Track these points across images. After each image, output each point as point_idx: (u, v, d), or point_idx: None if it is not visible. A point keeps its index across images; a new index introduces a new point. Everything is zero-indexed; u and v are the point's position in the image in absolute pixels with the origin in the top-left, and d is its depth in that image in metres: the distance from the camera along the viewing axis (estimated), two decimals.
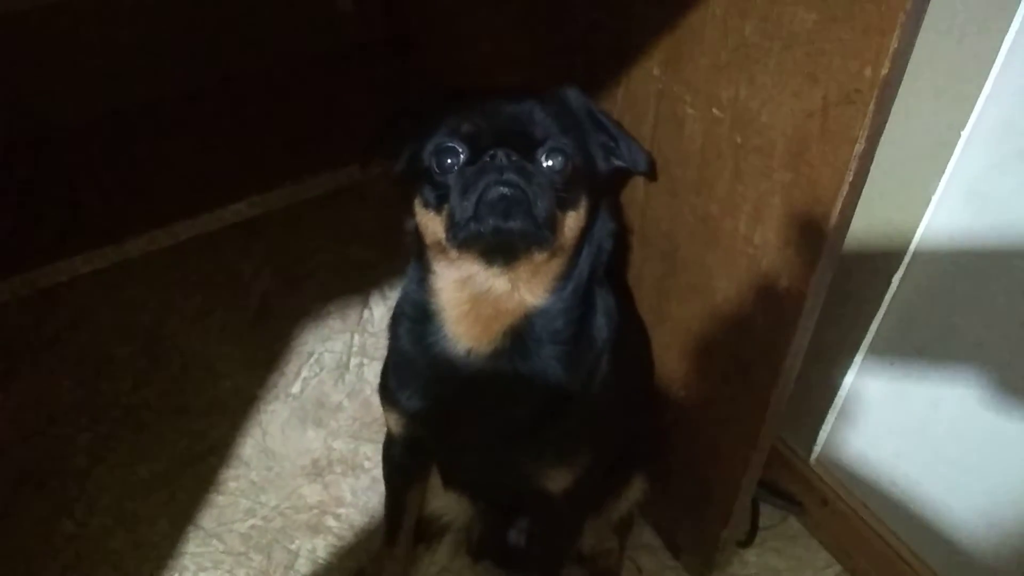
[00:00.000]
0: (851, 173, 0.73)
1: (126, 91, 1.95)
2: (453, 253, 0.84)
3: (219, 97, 2.04)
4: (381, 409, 1.05)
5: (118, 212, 1.80)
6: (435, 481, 1.19)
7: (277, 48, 2.06)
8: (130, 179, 1.88)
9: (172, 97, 2.00)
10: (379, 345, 1.60)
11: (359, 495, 1.37)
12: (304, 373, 1.56)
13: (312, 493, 1.38)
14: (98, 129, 1.94)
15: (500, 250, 0.83)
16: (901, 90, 0.70)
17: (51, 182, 1.87)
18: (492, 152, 0.80)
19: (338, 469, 1.41)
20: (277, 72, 2.08)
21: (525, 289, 0.87)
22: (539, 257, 0.84)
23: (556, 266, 0.87)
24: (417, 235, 0.90)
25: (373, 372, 1.54)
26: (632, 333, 1.10)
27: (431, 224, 0.85)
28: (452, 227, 0.82)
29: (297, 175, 1.88)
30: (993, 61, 0.86)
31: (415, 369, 0.95)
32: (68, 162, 1.90)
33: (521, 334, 0.88)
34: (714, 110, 0.85)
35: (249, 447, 1.44)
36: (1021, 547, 1.03)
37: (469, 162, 0.83)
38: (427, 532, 1.27)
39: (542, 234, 0.82)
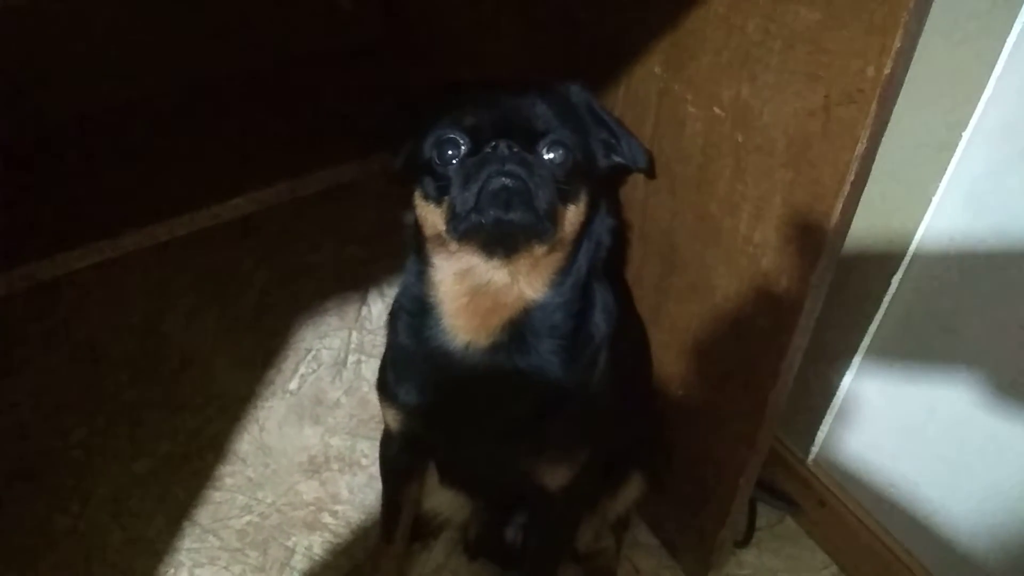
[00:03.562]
0: (852, 173, 0.73)
1: (124, 87, 1.94)
2: (453, 245, 0.84)
3: (218, 94, 2.03)
4: (378, 406, 1.05)
5: (116, 207, 1.79)
6: (432, 478, 1.19)
7: (276, 45, 2.06)
8: (128, 174, 1.86)
9: (170, 93, 1.98)
10: (377, 342, 1.59)
11: (356, 492, 1.37)
12: (302, 370, 1.56)
13: (309, 490, 1.37)
14: (96, 124, 1.93)
15: (501, 242, 0.83)
16: (903, 90, 0.70)
17: (49, 176, 1.86)
18: (494, 143, 0.80)
19: (335, 466, 1.41)
20: (276, 69, 2.07)
21: (524, 282, 0.87)
22: (539, 250, 0.84)
23: (555, 260, 0.87)
24: (416, 228, 0.89)
25: (371, 369, 1.54)
26: (631, 330, 1.09)
27: (431, 216, 0.85)
28: (453, 219, 0.81)
29: (295, 172, 1.87)
30: (995, 63, 0.87)
31: (413, 363, 0.94)
32: (66, 156, 1.89)
33: (519, 328, 0.88)
34: (715, 109, 0.85)
35: (246, 443, 1.43)
36: (1017, 549, 1.03)
37: (470, 154, 0.82)
38: (424, 529, 1.27)
39: (543, 226, 0.82)
